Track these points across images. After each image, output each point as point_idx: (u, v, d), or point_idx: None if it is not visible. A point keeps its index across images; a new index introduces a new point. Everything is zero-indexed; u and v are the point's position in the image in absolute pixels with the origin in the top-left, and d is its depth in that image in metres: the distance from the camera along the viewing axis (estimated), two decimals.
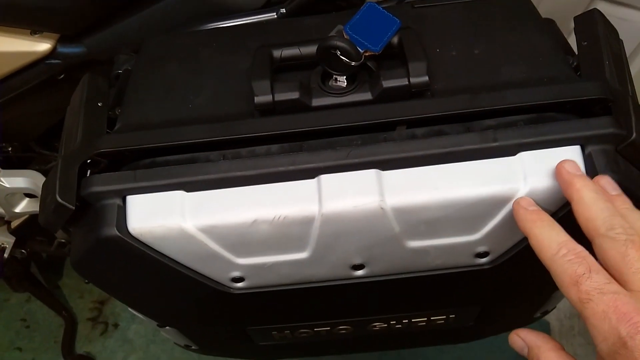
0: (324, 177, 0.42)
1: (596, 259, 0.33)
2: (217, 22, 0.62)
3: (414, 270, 0.49)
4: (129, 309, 0.57)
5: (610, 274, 0.32)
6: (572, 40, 0.49)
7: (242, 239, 0.43)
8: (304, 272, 0.48)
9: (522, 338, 0.37)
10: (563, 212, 0.41)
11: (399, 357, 1.12)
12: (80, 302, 1.28)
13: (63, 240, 1.02)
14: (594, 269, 0.32)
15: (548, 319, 1.14)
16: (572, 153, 0.41)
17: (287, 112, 0.45)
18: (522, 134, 0.41)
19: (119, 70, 0.56)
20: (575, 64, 0.47)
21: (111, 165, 0.46)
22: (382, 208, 0.41)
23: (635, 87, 0.46)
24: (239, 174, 0.42)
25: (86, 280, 0.51)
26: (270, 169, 0.42)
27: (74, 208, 0.42)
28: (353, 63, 0.44)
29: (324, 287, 0.50)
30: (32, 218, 0.92)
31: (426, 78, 0.44)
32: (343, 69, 0.45)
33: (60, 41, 0.66)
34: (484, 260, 0.48)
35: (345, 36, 0.44)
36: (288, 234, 0.43)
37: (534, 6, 0.53)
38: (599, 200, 0.35)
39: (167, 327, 0.61)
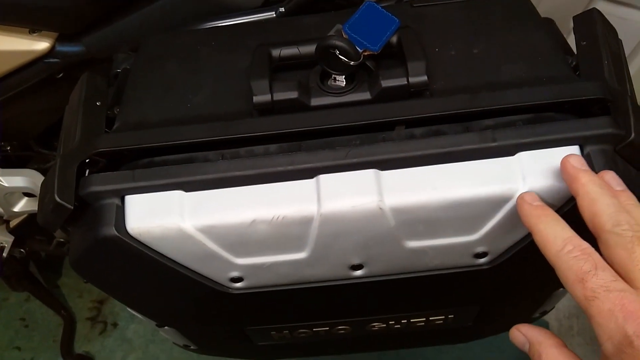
0: (323, 177, 0.42)
1: (601, 255, 0.33)
2: (216, 21, 0.62)
3: (413, 271, 0.49)
4: (128, 309, 0.57)
5: (615, 271, 0.32)
6: (572, 40, 0.49)
7: (240, 239, 0.43)
8: (302, 272, 0.47)
9: (523, 333, 0.36)
10: (562, 212, 0.41)
11: (398, 357, 1.12)
12: (79, 302, 1.28)
13: (62, 240, 1.02)
14: (600, 266, 0.31)
15: (547, 319, 1.14)
16: (571, 153, 0.41)
17: (285, 111, 0.44)
18: (521, 134, 0.41)
19: (118, 69, 0.56)
20: (574, 63, 0.47)
21: (110, 164, 0.46)
22: (380, 208, 0.41)
23: (635, 87, 0.46)
24: (237, 173, 0.42)
25: (85, 280, 0.51)
26: (268, 168, 0.42)
27: (72, 208, 0.42)
28: (352, 63, 0.44)
29: (323, 287, 0.50)
30: (31, 217, 0.92)
31: (425, 78, 0.43)
32: (342, 69, 0.44)
33: (59, 40, 0.66)
34: (482, 260, 0.48)
35: (344, 35, 0.44)
36: (287, 234, 0.43)
37: (533, 6, 0.52)
38: (604, 196, 0.34)
39: (166, 327, 0.61)
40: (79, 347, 1.22)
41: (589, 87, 0.42)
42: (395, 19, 0.46)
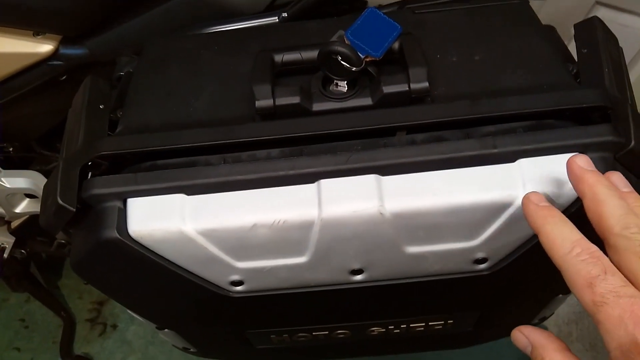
0: (324, 182, 0.42)
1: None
2: (219, 25, 0.62)
3: (413, 276, 0.49)
4: (128, 311, 0.57)
5: (624, 275, 0.30)
6: (573, 47, 0.49)
7: (241, 242, 0.43)
8: (302, 277, 0.48)
9: (525, 335, 0.35)
10: None
11: None
12: (79, 303, 1.28)
13: (63, 241, 1.02)
14: (609, 270, 0.30)
15: (546, 325, 1.14)
16: (577, 153, 0.41)
17: (287, 116, 0.45)
18: (521, 141, 0.41)
19: (121, 73, 0.56)
20: (575, 71, 0.47)
21: (112, 167, 0.46)
22: (381, 213, 0.41)
23: (635, 95, 0.46)
24: (239, 177, 0.42)
25: (86, 282, 0.51)
26: (270, 173, 0.42)
27: (74, 210, 0.42)
28: (354, 68, 0.44)
29: (323, 291, 0.50)
30: (32, 218, 0.92)
31: (426, 84, 0.44)
32: (344, 74, 0.45)
33: (63, 43, 0.66)
34: (482, 266, 0.48)
35: (346, 41, 0.44)
36: (287, 238, 0.43)
37: (534, 13, 0.53)
38: (612, 197, 0.33)
39: (166, 330, 0.61)
40: (79, 349, 1.22)
41: (589, 95, 0.42)
42: (397, 25, 0.46)
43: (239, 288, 0.49)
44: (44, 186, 0.47)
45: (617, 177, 0.36)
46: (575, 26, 0.49)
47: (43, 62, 0.66)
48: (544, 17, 0.53)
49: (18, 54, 0.65)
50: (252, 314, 0.56)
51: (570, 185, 0.40)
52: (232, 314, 0.55)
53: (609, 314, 0.29)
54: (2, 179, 0.78)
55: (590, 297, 0.30)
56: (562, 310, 1.14)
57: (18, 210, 0.85)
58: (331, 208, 0.41)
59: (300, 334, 0.63)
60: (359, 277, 0.48)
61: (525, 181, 0.41)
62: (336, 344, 0.68)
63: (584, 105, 0.42)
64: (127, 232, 0.43)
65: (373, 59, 0.45)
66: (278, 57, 0.47)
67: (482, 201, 0.41)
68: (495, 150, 0.41)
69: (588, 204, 0.34)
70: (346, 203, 0.41)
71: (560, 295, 0.59)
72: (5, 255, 0.99)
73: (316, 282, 0.49)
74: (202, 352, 0.73)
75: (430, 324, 0.63)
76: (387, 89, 0.44)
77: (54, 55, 0.66)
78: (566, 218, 0.34)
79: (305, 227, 0.42)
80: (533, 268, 0.49)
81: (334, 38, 0.46)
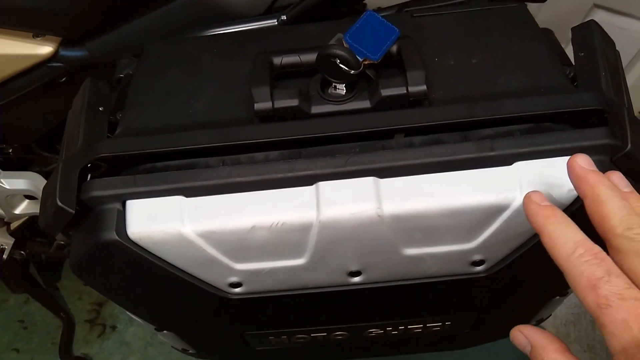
0: (322, 184, 0.42)
1: None
2: (218, 28, 0.62)
3: (410, 278, 0.49)
4: (127, 313, 0.57)
5: (628, 277, 0.30)
6: (570, 51, 0.49)
7: (240, 244, 0.43)
8: (301, 278, 0.48)
9: (525, 335, 0.34)
10: None
11: None
12: (79, 304, 1.29)
13: (62, 242, 1.02)
14: (613, 272, 0.29)
15: (544, 326, 1.14)
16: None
17: (286, 119, 0.45)
18: (518, 144, 0.41)
19: (121, 75, 0.56)
20: (572, 74, 0.47)
21: (112, 169, 0.46)
22: (379, 215, 0.41)
23: (633, 97, 0.46)
24: (238, 180, 0.42)
25: (85, 283, 0.51)
26: (269, 175, 0.42)
27: (74, 212, 0.43)
28: (352, 71, 0.44)
29: (321, 293, 0.50)
30: (31, 219, 0.92)
31: (424, 87, 0.44)
32: (342, 77, 0.45)
33: (63, 44, 0.66)
34: (479, 268, 0.48)
35: (344, 44, 0.45)
36: (286, 240, 0.43)
37: (532, 16, 0.53)
38: (615, 198, 0.32)
39: (165, 331, 0.62)
40: (78, 350, 1.22)
41: (586, 98, 0.42)
42: (396, 28, 0.46)
43: (237, 290, 0.49)
44: (43, 188, 0.47)
45: (618, 177, 0.36)
46: (573, 29, 0.49)
47: (43, 63, 0.67)
48: (542, 20, 0.53)
49: (18, 55, 0.65)
50: (251, 316, 0.56)
51: (567, 188, 0.40)
52: (230, 315, 0.55)
53: (613, 317, 0.28)
54: (2, 180, 0.79)
55: (594, 299, 0.29)
56: (560, 311, 1.14)
57: (17, 211, 0.85)
58: (329, 210, 0.41)
59: (299, 336, 0.64)
60: (357, 279, 0.49)
61: (522, 184, 0.41)
62: (334, 345, 0.68)
63: (581, 108, 0.42)
64: (126, 234, 0.43)
65: (371, 62, 0.45)
66: (277, 60, 0.48)
67: (479, 204, 0.41)
68: (493, 153, 0.41)
69: (589, 205, 0.33)
70: (344, 205, 0.41)
71: (558, 297, 0.60)
72: (4, 257, 0.99)
73: (314, 283, 0.49)
74: (201, 353, 0.73)
75: (427, 325, 0.63)
76: (385, 92, 0.44)
77: (53, 57, 0.66)
78: (569, 218, 0.33)
79: (303, 229, 0.42)
80: (530, 270, 0.49)
81: (333, 41, 0.46)
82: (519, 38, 0.50)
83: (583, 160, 0.35)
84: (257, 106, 0.45)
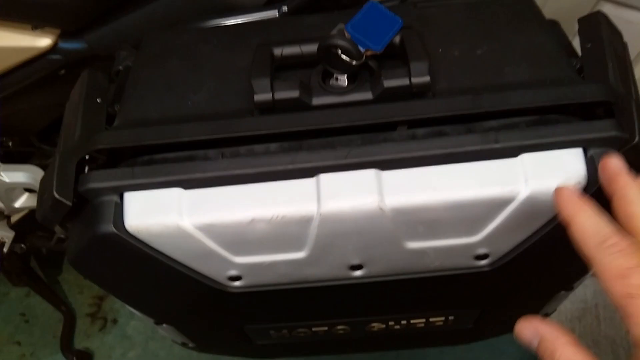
0: (323, 177, 0.42)
1: None
2: (219, 19, 0.62)
3: (413, 272, 0.48)
4: (127, 306, 0.57)
5: None
6: (577, 42, 0.48)
7: (239, 237, 0.43)
8: (301, 272, 0.47)
9: (533, 327, 0.33)
10: None
11: (398, 358, 1.12)
12: (80, 298, 1.28)
13: (62, 236, 1.02)
14: None
15: None
16: (574, 156, 0.41)
17: (286, 110, 0.44)
18: (523, 136, 0.41)
19: (120, 67, 0.56)
20: (578, 66, 0.46)
21: (109, 161, 0.46)
22: (381, 208, 0.41)
23: None
24: (237, 172, 0.42)
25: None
26: (269, 167, 0.42)
27: (71, 204, 0.42)
28: (354, 62, 0.43)
29: (322, 287, 0.49)
30: (31, 213, 0.92)
31: (428, 78, 0.43)
32: (344, 68, 0.44)
33: (61, 36, 0.65)
34: (483, 262, 0.47)
35: (346, 35, 0.44)
36: (286, 233, 0.43)
37: (538, 7, 0.52)
38: None
39: (164, 325, 0.61)
40: (79, 343, 1.22)
41: (593, 90, 0.41)
42: (399, 18, 0.46)
43: (237, 283, 0.48)
44: (41, 180, 0.47)
45: None
46: (580, 20, 0.49)
47: (42, 56, 0.66)
48: (548, 11, 0.52)
49: (16, 47, 0.64)
50: (251, 309, 0.56)
51: (573, 180, 0.40)
52: (230, 309, 0.55)
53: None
54: (2, 173, 0.78)
55: (622, 288, 0.29)
56: (565, 307, 1.13)
57: (17, 204, 0.85)
58: (330, 203, 0.41)
59: (300, 330, 0.63)
60: (358, 273, 0.48)
61: (528, 176, 0.40)
62: (336, 339, 0.67)
63: (588, 100, 0.41)
64: (124, 227, 0.42)
65: (374, 52, 0.44)
66: (277, 51, 0.47)
67: (483, 196, 0.41)
68: (497, 145, 0.41)
69: (618, 204, 0.34)
70: (346, 198, 0.41)
71: (563, 292, 0.59)
72: (5, 250, 0.99)
73: (315, 277, 0.48)
74: (201, 347, 0.73)
75: (430, 320, 0.62)
76: (388, 83, 0.43)
77: (52, 49, 0.66)
78: (599, 210, 0.34)
79: (304, 222, 0.42)
80: (535, 264, 0.48)
81: (334, 31, 0.45)
82: (524, 29, 0.49)
83: (615, 161, 0.36)
84: (257, 98, 0.44)
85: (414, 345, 0.83)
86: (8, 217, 0.97)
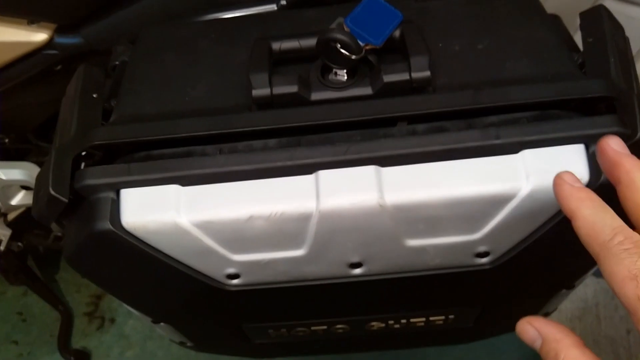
0: (322, 173, 0.41)
1: None
2: (216, 12, 0.61)
3: (413, 270, 0.48)
4: (124, 305, 0.56)
5: None
6: (579, 37, 0.48)
7: (237, 235, 0.42)
8: (300, 270, 0.47)
9: (536, 328, 0.32)
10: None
11: (398, 357, 1.12)
12: (77, 297, 1.28)
13: (59, 234, 1.02)
14: None
15: None
16: (576, 152, 0.40)
17: (285, 105, 0.44)
18: (524, 132, 0.40)
19: (116, 62, 0.55)
20: (580, 61, 0.46)
21: (106, 157, 0.45)
22: (380, 205, 0.40)
23: None
24: (235, 168, 0.41)
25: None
26: (267, 164, 0.41)
27: (67, 201, 0.42)
28: (353, 57, 0.43)
29: (321, 285, 0.49)
30: (28, 210, 0.91)
31: (428, 73, 0.43)
32: (343, 63, 0.44)
33: (57, 31, 0.65)
34: (484, 260, 0.47)
35: (345, 29, 0.43)
36: (284, 230, 0.42)
37: (539, 1, 0.52)
38: None
39: (162, 324, 0.61)
40: (76, 342, 1.22)
41: (594, 85, 0.41)
42: (399, 12, 0.45)
43: (235, 281, 0.48)
44: (37, 176, 0.46)
45: None
46: (581, 15, 0.48)
47: (38, 51, 0.65)
48: (549, 6, 0.52)
49: (12, 42, 0.64)
50: (249, 308, 0.55)
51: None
52: (228, 307, 0.54)
53: None
54: None
55: (634, 291, 0.27)
56: (565, 306, 1.13)
57: (14, 202, 0.84)
58: (329, 200, 0.40)
59: (299, 329, 0.63)
60: (357, 271, 0.48)
61: (529, 173, 0.40)
62: (335, 339, 0.67)
63: (589, 95, 0.41)
64: (121, 224, 0.42)
65: (373, 47, 0.44)
66: (276, 45, 0.46)
67: (484, 193, 0.40)
68: (498, 141, 0.40)
69: (624, 191, 0.31)
70: (345, 195, 0.40)
71: (564, 290, 0.59)
72: (1, 248, 0.98)
73: (314, 275, 0.48)
74: (199, 346, 0.72)
75: (430, 319, 0.62)
76: (388, 78, 0.43)
77: (48, 44, 0.65)
78: (604, 202, 0.31)
79: (303, 219, 0.41)
80: (537, 262, 0.48)
81: (333, 25, 0.45)
82: (526, 24, 0.49)
83: (616, 143, 0.33)
84: (255, 93, 0.43)
85: (413, 344, 0.83)
86: (4, 215, 0.96)
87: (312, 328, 0.63)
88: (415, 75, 0.43)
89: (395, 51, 0.45)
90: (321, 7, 0.54)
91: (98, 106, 0.48)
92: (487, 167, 0.40)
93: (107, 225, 0.41)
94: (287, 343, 0.68)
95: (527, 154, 0.40)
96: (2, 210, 0.90)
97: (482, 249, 0.45)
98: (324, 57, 0.44)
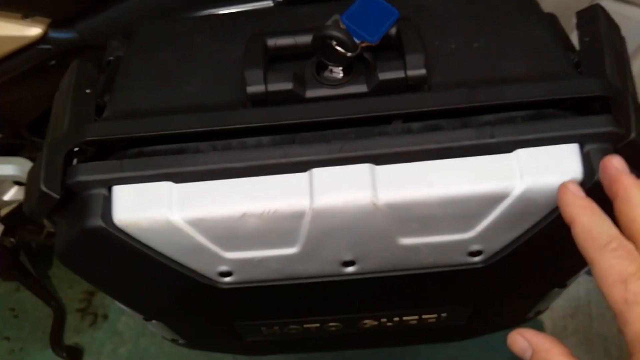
0: (316, 171, 0.41)
1: None
2: (212, 8, 0.61)
3: (406, 268, 0.48)
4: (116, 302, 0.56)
5: None
6: (575, 37, 0.48)
7: (230, 232, 0.42)
8: (293, 268, 0.47)
9: (527, 339, 0.34)
10: (557, 214, 0.40)
11: (391, 355, 1.12)
12: (70, 293, 1.27)
13: (52, 230, 1.01)
14: None
15: (541, 319, 1.14)
16: (570, 151, 0.40)
17: (280, 103, 0.43)
18: (519, 131, 0.40)
19: (111, 57, 0.55)
20: (576, 60, 0.46)
21: (98, 153, 0.45)
22: (374, 204, 0.40)
23: (638, 87, 0.45)
24: (228, 165, 0.41)
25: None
26: (261, 161, 0.41)
27: (58, 197, 0.41)
28: (349, 54, 0.42)
29: (314, 283, 0.49)
30: (21, 206, 0.91)
31: (424, 71, 0.42)
32: (338, 60, 0.43)
33: (52, 26, 0.65)
34: (477, 259, 0.47)
35: (341, 26, 0.43)
36: (278, 228, 0.42)
37: (536, 0, 0.52)
38: None
39: (154, 321, 0.60)
40: (69, 339, 1.21)
41: (589, 84, 0.41)
42: (395, 10, 0.45)
43: (227, 279, 0.48)
44: (28, 172, 0.46)
45: None
46: (578, 14, 0.48)
47: (32, 45, 0.65)
48: (546, 5, 0.52)
49: (5, 37, 0.63)
50: (241, 306, 0.55)
51: (568, 176, 0.39)
52: (220, 305, 0.54)
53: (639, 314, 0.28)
54: None
55: (622, 294, 0.29)
56: (557, 304, 1.14)
57: (6, 198, 0.84)
58: (323, 198, 0.40)
59: (291, 327, 0.63)
60: (350, 269, 0.47)
61: (523, 172, 0.40)
62: (328, 336, 0.67)
63: (584, 95, 0.41)
64: (112, 221, 0.41)
65: (369, 44, 0.44)
66: (271, 42, 0.46)
67: (478, 192, 0.40)
68: (493, 140, 0.40)
69: (620, 206, 0.33)
70: (339, 193, 0.40)
71: (556, 289, 0.59)
72: None
73: (307, 273, 0.48)
74: (191, 343, 0.72)
75: (423, 317, 0.62)
76: (383, 76, 0.43)
77: (42, 39, 0.65)
78: (604, 212, 0.33)
79: (296, 217, 0.41)
80: (529, 261, 0.48)
81: (329, 22, 0.45)
82: (522, 22, 0.49)
83: (618, 162, 0.35)
84: (249, 89, 0.43)
85: (406, 342, 0.83)
86: None
87: (305, 326, 0.63)
88: (410, 73, 0.42)
89: (391, 49, 0.45)
90: (317, 3, 0.54)
91: (91, 101, 0.47)
92: (482, 165, 0.40)
93: (99, 222, 0.41)
94: (280, 341, 0.68)
95: (521, 153, 0.40)
96: None
97: (475, 247, 0.45)
98: (320, 54, 0.43)
